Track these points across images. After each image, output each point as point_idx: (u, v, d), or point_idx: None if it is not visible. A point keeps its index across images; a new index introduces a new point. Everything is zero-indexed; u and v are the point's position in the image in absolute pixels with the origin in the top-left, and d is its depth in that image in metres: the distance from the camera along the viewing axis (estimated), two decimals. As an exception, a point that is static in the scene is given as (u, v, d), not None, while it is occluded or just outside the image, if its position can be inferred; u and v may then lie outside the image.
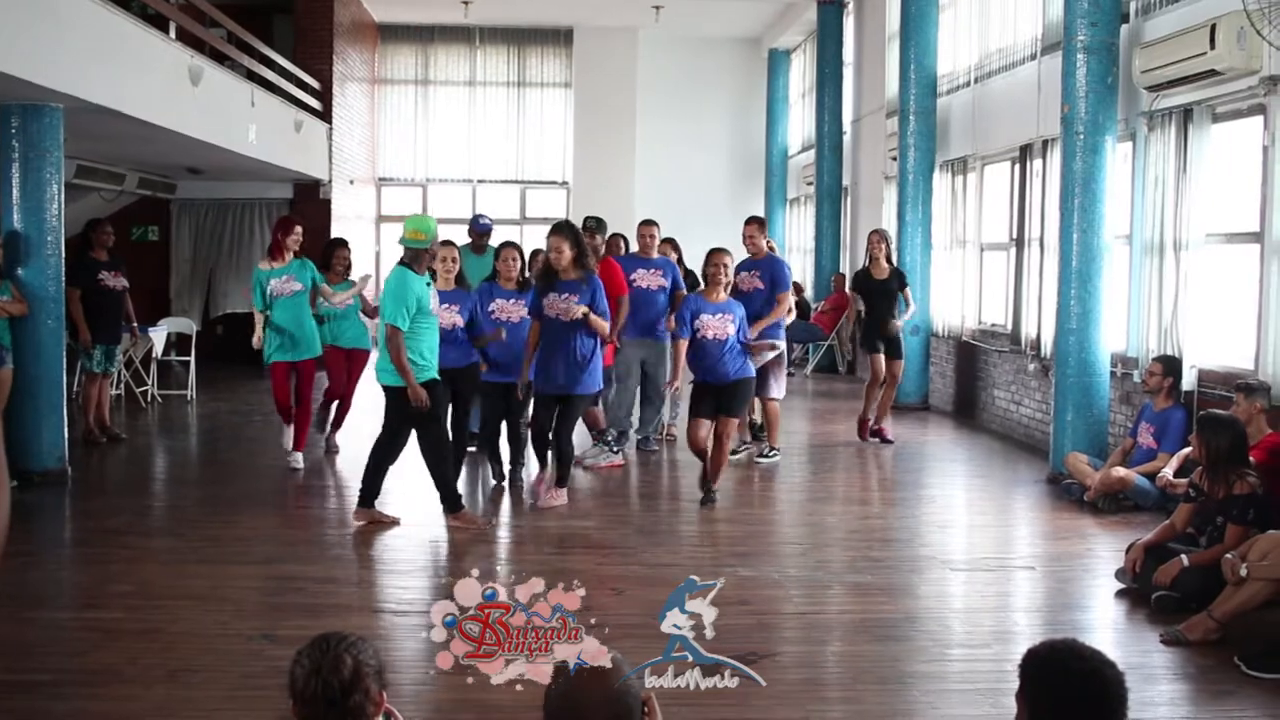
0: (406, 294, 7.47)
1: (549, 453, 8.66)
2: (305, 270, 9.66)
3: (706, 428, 8.42)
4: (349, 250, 10.58)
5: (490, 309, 8.79)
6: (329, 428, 10.58)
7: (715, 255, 8.54)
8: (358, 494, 7.97)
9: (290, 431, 9.84)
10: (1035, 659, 2.65)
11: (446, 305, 8.32)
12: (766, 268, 9.99)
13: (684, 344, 8.40)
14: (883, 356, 11.31)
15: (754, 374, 8.57)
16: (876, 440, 11.36)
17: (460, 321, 8.42)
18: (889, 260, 11.49)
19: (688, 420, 8.54)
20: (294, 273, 9.59)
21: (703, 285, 8.91)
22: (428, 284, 7.64)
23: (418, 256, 7.61)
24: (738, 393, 8.38)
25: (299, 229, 9.78)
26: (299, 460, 9.74)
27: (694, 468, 9.95)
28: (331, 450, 10.48)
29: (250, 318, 10.49)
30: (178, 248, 18.10)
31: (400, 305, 7.45)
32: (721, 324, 8.30)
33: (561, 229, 8.34)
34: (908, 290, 11.61)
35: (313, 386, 9.86)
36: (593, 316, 8.14)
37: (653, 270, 10.04)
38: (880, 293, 11.33)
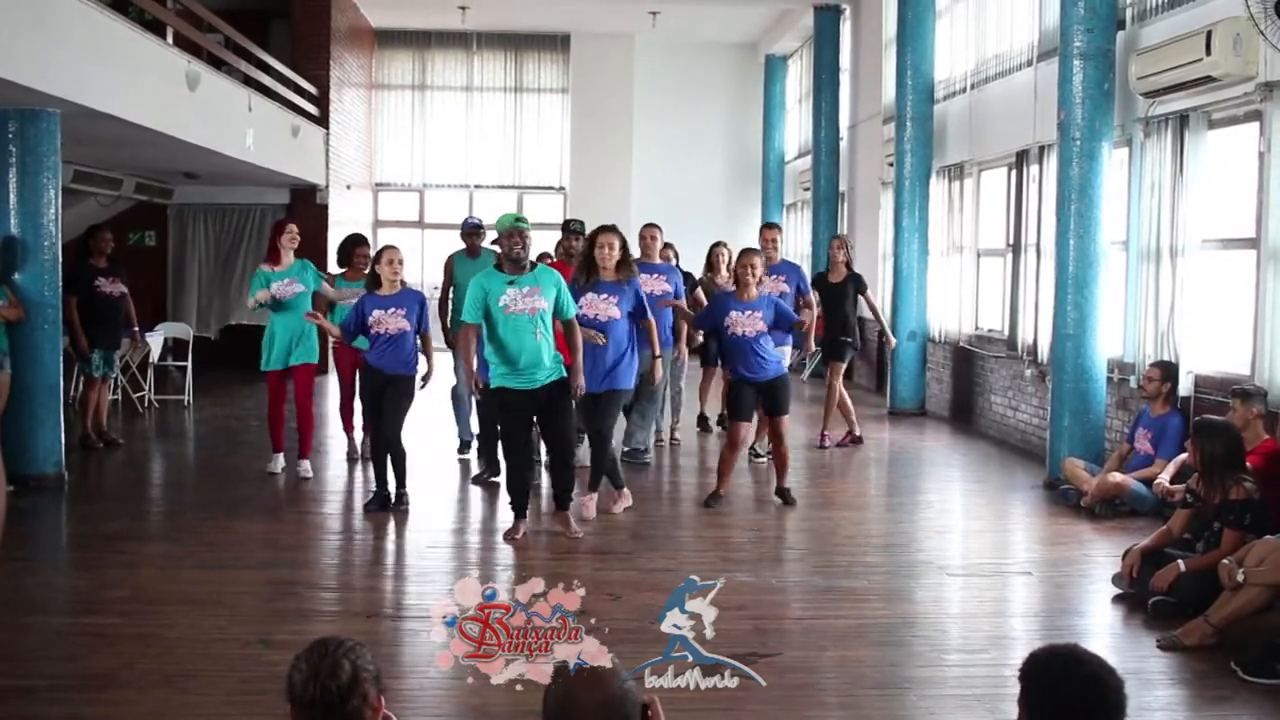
0: (474, 289, 7.43)
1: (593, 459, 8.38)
2: (306, 273, 9.54)
3: (748, 429, 8.64)
4: (369, 247, 10.45)
5: None
6: (359, 432, 10.44)
7: (744, 255, 8.71)
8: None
9: (279, 459, 9.59)
10: (1036, 664, 2.65)
11: (393, 310, 8.24)
12: (786, 271, 10.37)
13: (694, 332, 8.81)
14: (836, 362, 11.51)
15: (788, 371, 8.72)
16: (817, 444, 11.49)
17: (407, 326, 8.25)
18: (848, 265, 11.67)
19: (730, 423, 8.66)
20: (295, 275, 9.45)
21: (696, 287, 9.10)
22: (510, 282, 7.35)
23: (500, 249, 7.50)
24: (780, 390, 8.55)
25: (293, 227, 9.68)
26: (307, 469, 9.57)
27: (692, 471, 9.97)
28: (365, 455, 10.40)
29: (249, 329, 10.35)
30: (174, 253, 18.10)
31: (468, 301, 7.43)
32: (751, 320, 8.42)
33: (613, 229, 8.35)
34: (869, 294, 11.69)
35: (312, 393, 9.70)
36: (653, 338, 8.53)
37: (655, 275, 9.77)
38: (835, 296, 11.47)
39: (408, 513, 8.29)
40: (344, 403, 10.40)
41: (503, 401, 7.51)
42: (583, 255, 8.46)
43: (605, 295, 8.18)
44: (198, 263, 18.03)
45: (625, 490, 8.38)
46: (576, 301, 7.96)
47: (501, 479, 8.87)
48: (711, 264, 11.24)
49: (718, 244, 11.49)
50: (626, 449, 10.16)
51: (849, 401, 11.57)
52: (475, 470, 9.65)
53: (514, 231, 7.35)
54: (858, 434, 11.61)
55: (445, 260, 10.59)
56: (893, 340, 12.24)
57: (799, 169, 20.80)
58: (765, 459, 10.18)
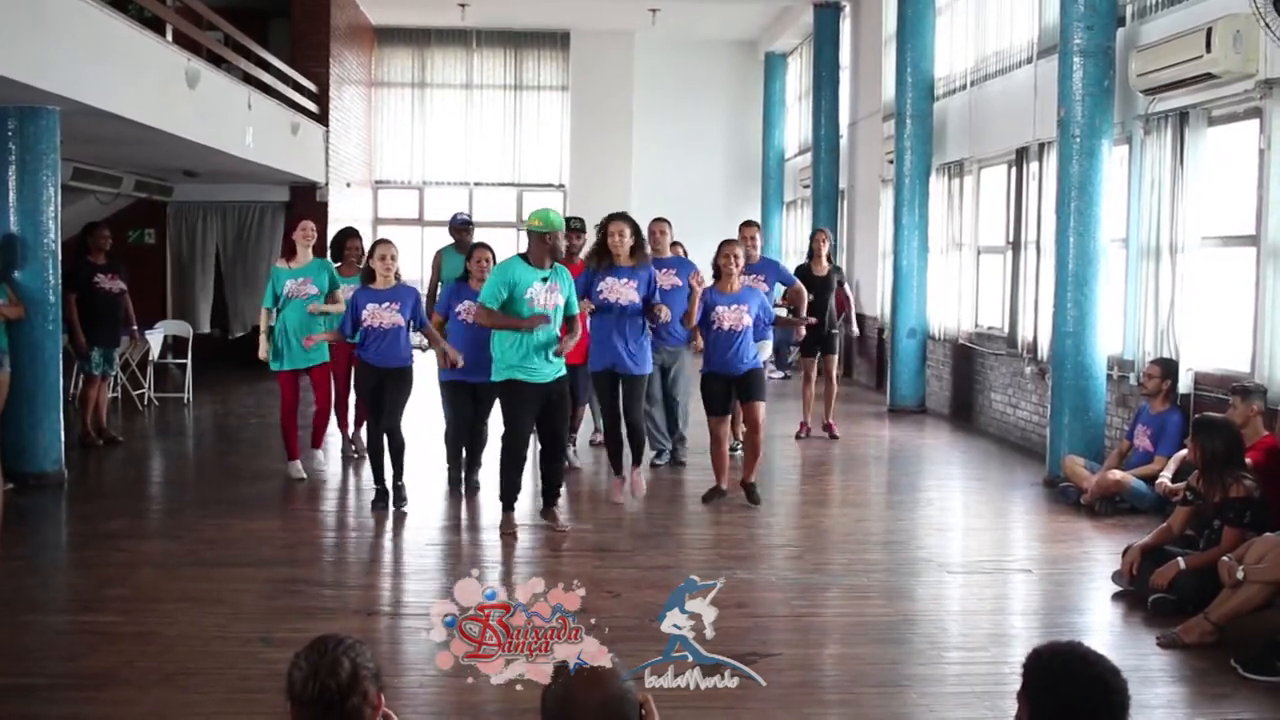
0: (500, 278, 7.43)
1: (627, 439, 8.51)
2: (323, 273, 9.54)
3: (726, 423, 8.63)
4: (360, 240, 10.43)
5: (458, 310, 8.55)
6: (351, 428, 10.45)
7: (725, 246, 8.69)
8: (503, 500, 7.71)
9: (298, 465, 9.48)
10: (1039, 660, 2.63)
11: (387, 304, 8.25)
12: (765, 269, 10.21)
13: (699, 335, 8.60)
14: (815, 359, 11.69)
15: (761, 365, 8.73)
16: (826, 435, 11.74)
17: (401, 321, 8.26)
18: (829, 259, 11.85)
19: (709, 417, 8.60)
20: (311, 275, 9.45)
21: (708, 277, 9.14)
22: (544, 278, 7.40)
23: (532, 245, 7.48)
24: (754, 378, 8.56)
25: (308, 224, 9.73)
26: (299, 470, 9.52)
27: (695, 469, 9.96)
28: (359, 452, 10.34)
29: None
30: (174, 251, 18.10)
31: (491, 288, 7.43)
32: (736, 314, 8.42)
33: (622, 216, 8.48)
34: (844, 286, 11.79)
35: (329, 391, 9.68)
36: (658, 305, 8.32)
37: (665, 270, 9.54)
38: (821, 289, 11.60)
39: (406, 510, 8.29)
40: (338, 399, 10.36)
41: (513, 393, 7.49)
42: (596, 243, 8.55)
43: (625, 279, 8.27)
44: (197, 261, 18.03)
45: (641, 470, 8.56)
46: (596, 286, 8.24)
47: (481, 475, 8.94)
48: None
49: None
50: (654, 451, 10.11)
51: (811, 396, 11.74)
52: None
53: (559, 231, 7.48)
54: (808, 430, 11.77)
55: (434, 254, 10.62)
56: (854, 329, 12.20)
57: (799, 166, 20.80)
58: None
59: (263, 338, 9.62)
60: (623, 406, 8.38)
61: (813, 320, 10.20)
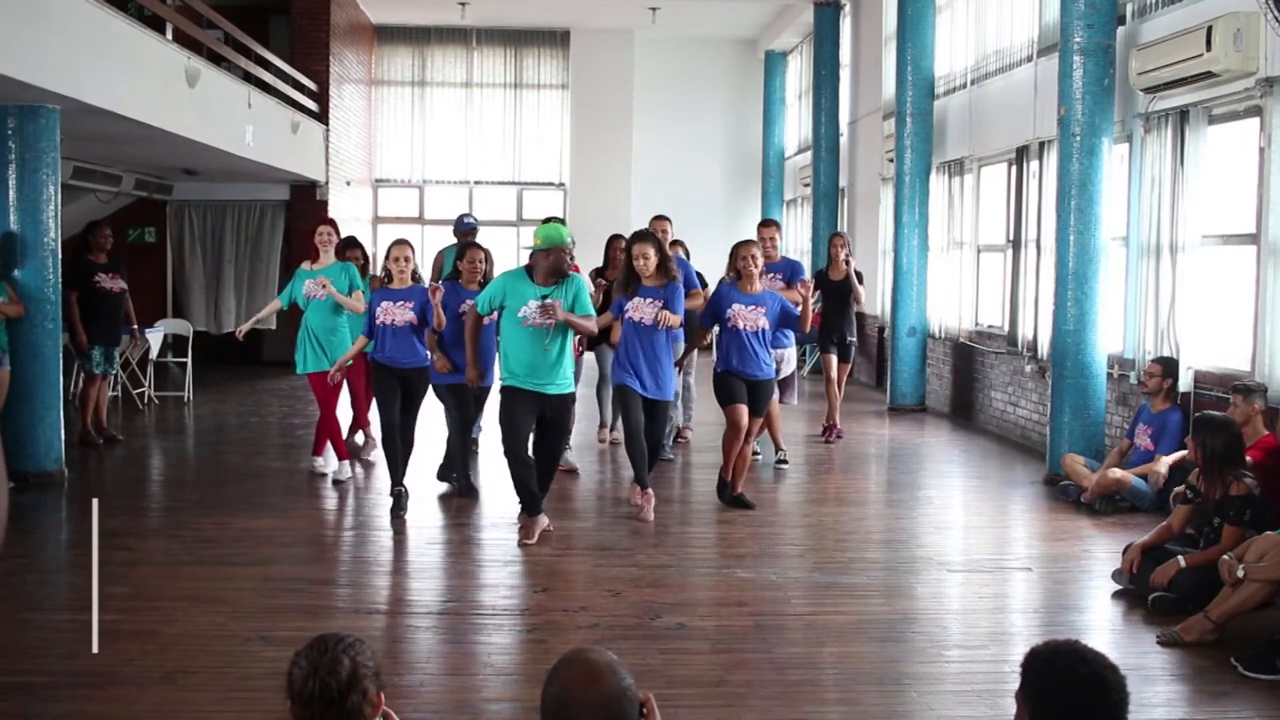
0: (498, 287, 7.48)
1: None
2: (344, 275, 9.48)
3: (745, 411, 8.40)
4: (361, 249, 10.43)
5: (460, 310, 8.48)
6: (362, 433, 10.45)
7: (744, 247, 8.54)
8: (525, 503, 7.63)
9: (346, 466, 9.50)
10: (1038, 660, 2.63)
11: (401, 302, 8.29)
12: (785, 269, 10.18)
13: (702, 333, 8.47)
14: (834, 357, 11.72)
15: (774, 377, 8.68)
16: (823, 437, 11.75)
17: (414, 319, 8.28)
18: (847, 262, 11.74)
19: (728, 406, 8.41)
20: (332, 276, 9.40)
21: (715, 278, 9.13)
22: (543, 296, 7.35)
23: (536, 260, 7.45)
24: (763, 392, 8.50)
25: (323, 228, 9.65)
26: (348, 470, 9.51)
27: (697, 468, 9.96)
28: (366, 456, 10.33)
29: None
30: (174, 249, 18.09)
31: (486, 294, 7.54)
32: (754, 315, 8.34)
33: (646, 237, 8.40)
34: (860, 289, 11.74)
35: (339, 396, 9.64)
36: (663, 314, 8.16)
37: None
38: (836, 293, 11.58)
39: (406, 508, 8.29)
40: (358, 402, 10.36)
41: (510, 396, 7.45)
42: (623, 267, 8.50)
43: (650, 299, 8.24)
44: (198, 259, 18.02)
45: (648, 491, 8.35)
46: (623, 307, 8.23)
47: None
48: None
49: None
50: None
51: (835, 395, 11.77)
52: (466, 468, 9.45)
53: (562, 247, 7.43)
54: (838, 432, 11.80)
55: (436, 254, 10.60)
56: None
57: (799, 165, 20.80)
58: (760, 455, 10.16)
59: (253, 320, 9.88)
60: (649, 431, 8.28)
61: (797, 298, 10.07)
